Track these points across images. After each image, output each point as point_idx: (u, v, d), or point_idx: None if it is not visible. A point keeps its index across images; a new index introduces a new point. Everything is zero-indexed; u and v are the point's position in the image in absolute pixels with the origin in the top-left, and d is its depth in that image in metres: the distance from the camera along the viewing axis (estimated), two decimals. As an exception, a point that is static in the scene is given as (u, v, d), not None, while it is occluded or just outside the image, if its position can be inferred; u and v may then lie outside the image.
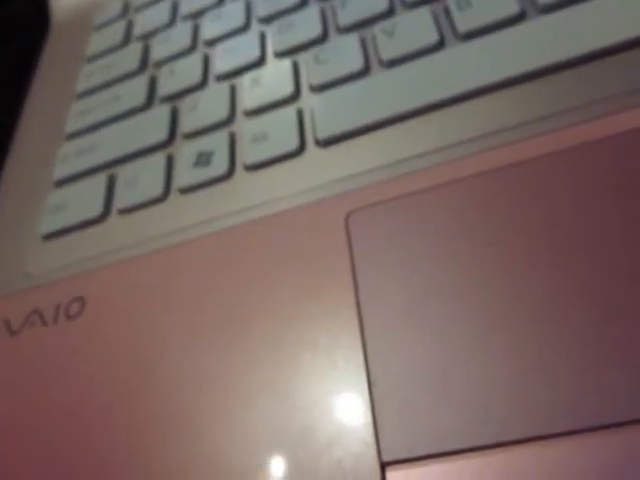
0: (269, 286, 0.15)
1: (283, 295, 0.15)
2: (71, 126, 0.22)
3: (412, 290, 0.14)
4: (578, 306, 0.12)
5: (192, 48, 0.23)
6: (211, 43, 0.22)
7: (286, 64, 0.20)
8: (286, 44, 0.20)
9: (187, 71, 0.22)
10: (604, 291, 0.12)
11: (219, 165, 0.18)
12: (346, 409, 0.13)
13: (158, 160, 0.19)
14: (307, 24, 0.20)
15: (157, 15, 0.25)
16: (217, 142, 0.19)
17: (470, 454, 0.11)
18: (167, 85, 0.22)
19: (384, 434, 0.12)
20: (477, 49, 0.17)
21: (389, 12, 0.19)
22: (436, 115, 0.16)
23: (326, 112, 0.18)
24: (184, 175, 0.18)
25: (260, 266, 0.16)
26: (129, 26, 0.25)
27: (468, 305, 0.13)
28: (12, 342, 0.17)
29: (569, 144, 0.14)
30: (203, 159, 0.19)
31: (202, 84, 0.21)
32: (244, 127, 0.19)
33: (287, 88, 0.19)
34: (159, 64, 0.23)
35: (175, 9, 0.25)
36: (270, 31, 0.21)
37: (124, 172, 0.20)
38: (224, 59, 0.21)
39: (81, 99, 0.23)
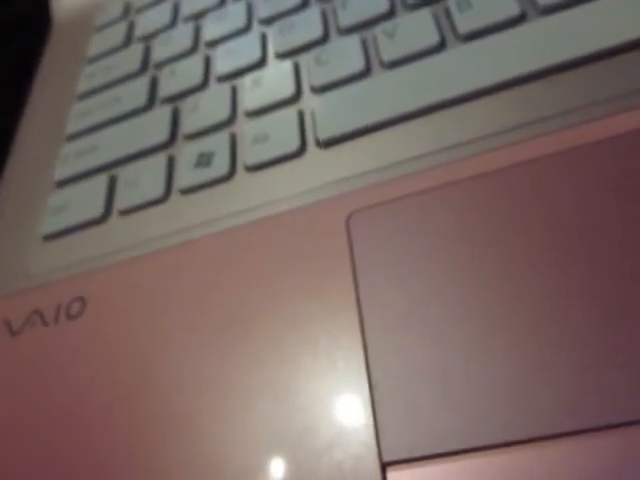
0: (270, 287, 0.15)
1: (284, 296, 0.15)
2: (72, 127, 0.22)
3: (412, 291, 0.14)
4: (579, 307, 0.12)
5: (193, 49, 0.23)
6: (212, 44, 0.22)
7: (287, 65, 0.20)
8: (287, 45, 0.20)
9: (188, 72, 0.22)
10: (605, 292, 0.12)
11: (220, 166, 0.18)
12: (347, 410, 0.13)
13: (159, 161, 0.19)
14: (308, 25, 0.20)
15: (158, 16, 0.25)
16: (218, 143, 0.19)
17: (471, 454, 0.11)
18: (168, 86, 0.22)
19: (385, 434, 0.12)
20: (478, 50, 0.17)
21: (390, 13, 0.19)
22: (437, 116, 0.16)
23: (327, 113, 0.18)
24: (185, 176, 0.18)
25: (261, 267, 0.16)
26: (130, 27, 0.25)
27: (468, 306, 0.13)
28: (13, 342, 0.17)
29: (570, 145, 0.14)
30: (204, 160, 0.19)
31: (203, 85, 0.21)
32: (245, 128, 0.19)
33: (288, 89, 0.19)
34: (160, 65, 0.23)
35: (176, 10, 0.25)
36: (271, 32, 0.21)
37: (125, 173, 0.20)
38: (225, 60, 0.21)
39: (82, 100, 0.23)
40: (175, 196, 0.18)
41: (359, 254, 0.15)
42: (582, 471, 0.11)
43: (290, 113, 0.18)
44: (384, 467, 0.12)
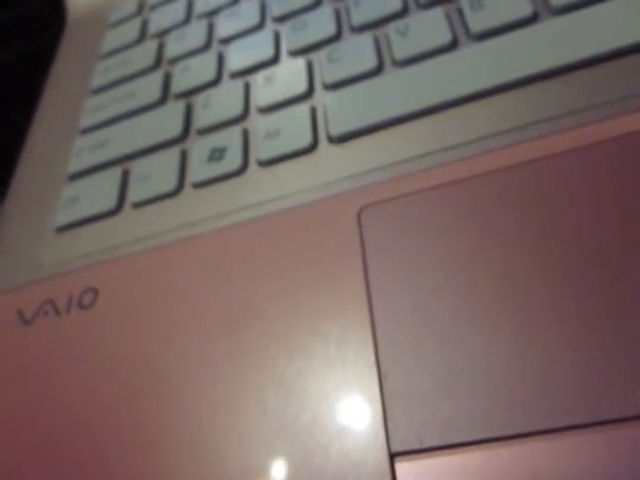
0: (281, 280, 0.15)
1: (295, 289, 0.15)
2: (86, 121, 0.23)
3: (423, 285, 0.14)
4: (587, 301, 0.12)
5: (207, 46, 0.23)
6: (226, 41, 0.23)
7: (300, 62, 0.20)
8: (300, 43, 0.20)
9: (201, 68, 0.22)
10: (610, 286, 0.12)
11: (232, 160, 0.18)
12: (356, 401, 0.13)
13: (172, 155, 0.20)
14: (321, 23, 0.21)
15: (172, 13, 0.25)
16: (231, 138, 0.19)
17: (479, 446, 0.11)
18: (181, 82, 0.22)
19: (393, 425, 0.12)
20: (489, 50, 0.17)
21: (402, 12, 0.20)
22: (448, 114, 0.17)
23: (339, 109, 0.18)
24: (197, 170, 0.19)
25: (272, 261, 0.16)
26: (144, 24, 0.26)
27: (477, 300, 0.13)
28: (26, 331, 0.17)
29: (583, 143, 0.14)
30: (216, 154, 0.19)
31: (216, 81, 0.21)
32: (257, 124, 0.19)
33: (300, 86, 0.19)
34: (174, 61, 0.23)
35: (190, 8, 0.25)
36: (284, 30, 0.21)
37: (138, 166, 0.20)
38: (238, 57, 0.21)
39: (96, 95, 0.24)
40: (187, 190, 0.19)
41: (370, 248, 0.15)
42: (589, 465, 0.11)
43: (302, 109, 0.19)
44: (392, 457, 0.12)
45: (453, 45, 0.18)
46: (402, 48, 0.18)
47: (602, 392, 0.11)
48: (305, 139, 0.18)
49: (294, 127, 0.18)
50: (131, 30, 0.26)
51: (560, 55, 0.16)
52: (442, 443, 0.12)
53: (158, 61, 0.24)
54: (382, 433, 0.12)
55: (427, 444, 0.12)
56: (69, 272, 0.18)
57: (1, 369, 0.17)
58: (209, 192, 0.18)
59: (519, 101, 0.16)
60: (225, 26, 0.23)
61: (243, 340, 0.15)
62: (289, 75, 0.20)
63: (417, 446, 0.12)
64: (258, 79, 0.20)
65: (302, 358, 0.14)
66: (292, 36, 0.21)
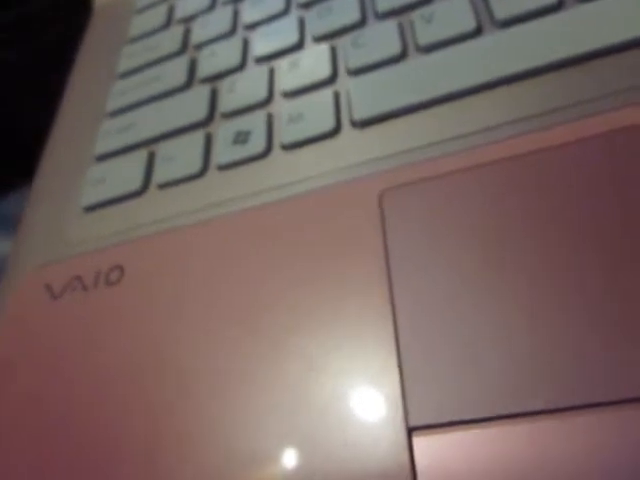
0: (302, 261, 0.16)
1: (316, 270, 0.15)
2: (112, 104, 0.23)
3: (442, 266, 0.14)
4: (608, 280, 0.12)
5: (232, 32, 0.23)
6: (251, 27, 0.23)
7: (324, 48, 0.20)
8: (324, 29, 0.21)
9: (227, 53, 0.22)
10: (631, 268, 0.12)
11: (256, 144, 0.19)
12: (374, 375, 0.13)
13: (197, 138, 0.20)
14: (345, 9, 0.21)
15: (197, 0, 0.25)
16: (255, 122, 0.19)
17: (497, 422, 0.12)
18: (207, 66, 0.22)
19: (411, 400, 0.13)
20: (514, 36, 0.17)
21: (428, -1, 0.20)
22: (471, 100, 0.17)
23: (362, 94, 0.18)
24: (222, 153, 0.19)
25: (293, 242, 0.16)
26: (170, 10, 0.26)
27: (496, 280, 0.13)
28: (54, 305, 0.18)
29: (611, 127, 0.14)
30: (241, 138, 0.19)
31: (241, 66, 0.22)
32: (281, 108, 0.19)
33: (324, 71, 0.19)
34: (199, 46, 0.23)
35: (216, -6, 0.25)
36: (309, 16, 0.22)
37: (163, 149, 0.20)
38: (263, 42, 0.22)
39: (122, 79, 0.24)
40: (212, 172, 0.19)
41: (391, 230, 0.15)
42: (607, 443, 0.11)
43: (326, 94, 0.19)
44: (410, 432, 0.12)
45: (477, 32, 0.18)
46: (426, 34, 0.18)
47: (626, 370, 0.11)
48: (328, 123, 0.18)
49: (317, 111, 0.18)
50: (157, 16, 0.26)
51: (587, 41, 0.16)
52: (460, 418, 0.12)
53: (184, 46, 0.24)
54: (400, 408, 0.13)
55: (445, 419, 0.12)
56: (96, 250, 0.19)
57: (29, 342, 0.18)
58: (233, 174, 0.19)
59: (545, 88, 0.16)
60: (250, 12, 0.23)
61: (264, 318, 0.15)
62: (313, 60, 0.20)
63: (435, 421, 0.12)
64: (282, 64, 0.21)
65: (321, 334, 0.14)
66: (317, 22, 0.21)
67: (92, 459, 0.15)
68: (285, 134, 0.18)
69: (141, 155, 0.21)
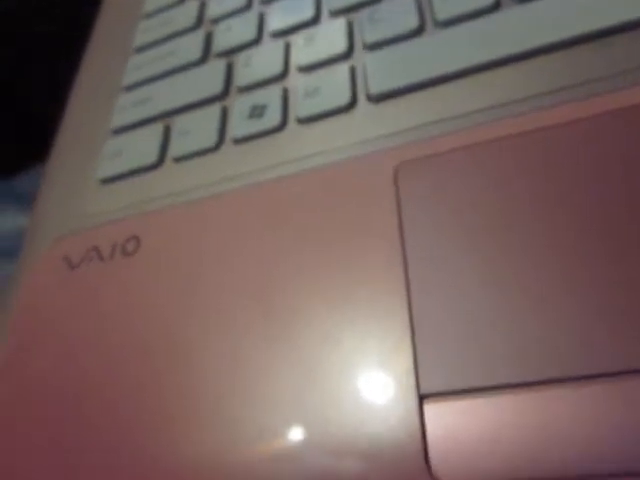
0: (317, 234, 0.16)
1: (330, 242, 0.15)
2: (128, 78, 0.23)
3: (457, 238, 0.14)
4: (621, 253, 0.12)
5: (248, 6, 0.23)
6: (267, 2, 0.23)
7: (340, 22, 0.20)
8: (341, 3, 0.21)
9: (242, 28, 0.22)
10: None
11: (272, 118, 0.19)
12: (386, 343, 0.13)
13: (213, 112, 0.20)
14: (362, -16, 0.21)
15: (214, -26, 0.25)
16: (270, 96, 0.19)
17: (508, 390, 0.12)
18: (222, 41, 0.22)
19: (423, 368, 0.13)
20: (532, 10, 0.17)
21: (445, -27, 0.19)
22: (488, 75, 0.17)
23: (379, 69, 0.18)
24: (238, 126, 0.19)
25: (308, 215, 0.16)
26: (186, -16, 0.26)
27: (510, 254, 0.13)
28: (72, 275, 0.18)
29: (621, 105, 0.14)
30: (257, 112, 0.19)
31: (257, 41, 0.22)
32: (297, 82, 0.19)
33: (340, 45, 0.19)
34: (215, 21, 0.23)
35: (231, -31, 0.25)
36: (325, -9, 0.22)
37: (179, 122, 0.20)
38: (279, 17, 0.22)
39: (138, 53, 0.24)
40: (227, 145, 0.19)
41: (406, 204, 0.15)
42: (616, 411, 0.11)
43: (342, 68, 0.19)
44: (421, 400, 0.13)
45: (496, 6, 0.18)
46: (444, 9, 0.18)
47: (626, 342, 0.11)
48: (344, 97, 0.18)
49: (333, 86, 0.18)
50: (173, -10, 0.26)
51: (606, 16, 0.16)
52: (471, 386, 0.12)
53: (199, 21, 0.24)
54: (412, 375, 0.13)
55: (456, 387, 0.12)
56: (114, 221, 0.19)
57: (49, 312, 0.18)
58: (249, 148, 0.19)
59: (560, 63, 0.16)
60: (266, -13, 0.23)
61: (278, 292, 0.15)
62: (329, 35, 0.20)
63: (446, 389, 0.12)
64: (298, 39, 0.21)
65: (335, 307, 0.14)
66: (333, -3, 0.21)
67: (104, 430, 0.15)
68: (301, 108, 0.18)
69: (157, 128, 0.21)
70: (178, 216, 0.18)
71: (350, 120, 0.18)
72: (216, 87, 0.21)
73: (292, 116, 0.19)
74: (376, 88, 0.18)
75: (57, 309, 0.18)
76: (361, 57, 0.19)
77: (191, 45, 0.23)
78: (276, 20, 0.22)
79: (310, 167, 0.17)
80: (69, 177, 0.22)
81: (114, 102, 0.23)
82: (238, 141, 0.19)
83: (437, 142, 0.16)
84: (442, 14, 0.18)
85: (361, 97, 0.18)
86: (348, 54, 0.19)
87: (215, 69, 0.21)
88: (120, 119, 0.22)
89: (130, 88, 0.23)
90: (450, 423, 0.12)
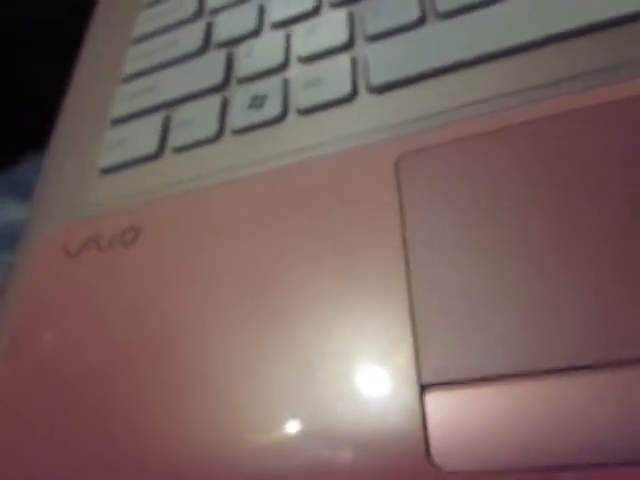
0: (318, 223, 0.16)
1: (331, 232, 0.15)
2: (128, 69, 0.23)
3: (458, 229, 0.14)
4: (621, 244, 0.12)
5: (249, -3, 0.23)
6: (267, -8, 0.23)
7: (341, 14, 0.20)
8: (342, -6, 0.21)
9: (243, 19, 0.22)
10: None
11: (272, 108, 0.19)
12: (387, 332, 0.13)
13: (213, 102, 0.20)
14: (364, -25, 0.21)
15: (214, -35, 0.25)
16: (271, 86, 0.19)
17: (509, 380, 0.12)
18: (223, 32, 0.22)
19: (424, 357, 0.13)
20: (532, 3, 0.17)
21: (447, -35, 0.19)
22: (489, 66, 0.17)
23: (380, 60, 0.18)
24: (238, 117, 0.19)
25: (309, 204, 0.16)
26: (186, -25, 0.26)
27: (511, 243, 0.13)
28: (70, 263, 0.18)
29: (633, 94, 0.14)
30: (257, 102, 0.19)
31: (257, 31, 0.22)
32: (298, 73, 0.19)
33: (341, 36, 0.19)
34: (215, 11, 0.23)
35: (232, -41, 0.25)
36: (327, -18, 0.21)
37: (179, 113, 0.20)
38: (280, 8, 0.22)
39: (138, 43, 0.24)
40: (228, 136, 0.19)
41: (407, 195, 0.15)
42: (620, 402, 0.11)
43: (343, 59, 0.19)
44: (422, 389, 0.13)
45: (497, -2, 0.18)
46: (445, 0, 0.18)
47: (630, 332, 0.12)
48: (345, 88, 0.18)
49: (334, 76, 0.18)
50: (173, -19, 0.26)
51: (609, 8, 0.16)
52: (472, 376, 0.12)
53: (200, 11, 0.24)
54: (413, 365, 0.13)
55: (457, 377, 0.12)
56: (113, 211, 0.19)
57: (46, 301, 0.18)
58: (249, 138, 0.19)
59: (560, 55, 0.16)
60: (267, -23, 0.23)
61: (279, 282, 0.15)
62: (330, 26, 0.20)
63: (447, 378, 0.12)
64: (299, 30, 0.20)
65: (336, 295, 0.14)
66: (334, -12, 0.21)
67: (102, 417, 0.15)
68: (301, 99, 0.18)
69: (157, 119, 0.21)
70: (178, 206, 0.18)
71: (351, 111, 0.18)
72: (216, 77, 0.21)
73: (293, 107, 0.19)
74: (377, 79, 0.18)
75: (55, 298, 0.18)
76: (362, 48, 0.19)
77: (191, 35, 0.23)
78: (276, 11, 0.22)
79: (310, 158, 0.17)
80: (69, 167, 0.22)
81: (114, 92, 0.23)
82: (238, 132, 0.19)
83: (438, 133, 0.16)
84: (443, 5, 0.18)
85: (362, 88, 0.18)
86: (349, 45, 0.19)
87: (215, 59, 0.21)
88: (120, 109, 0.22)
89: (130, 78, 0.23)
90: (451, 413, 0.12)
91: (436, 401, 0.12)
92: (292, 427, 0.13)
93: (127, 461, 0.14)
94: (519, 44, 0.16)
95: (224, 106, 0.20)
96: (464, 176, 0.15)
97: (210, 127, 0.19)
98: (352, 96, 0.18)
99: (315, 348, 0.14)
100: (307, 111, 0.18)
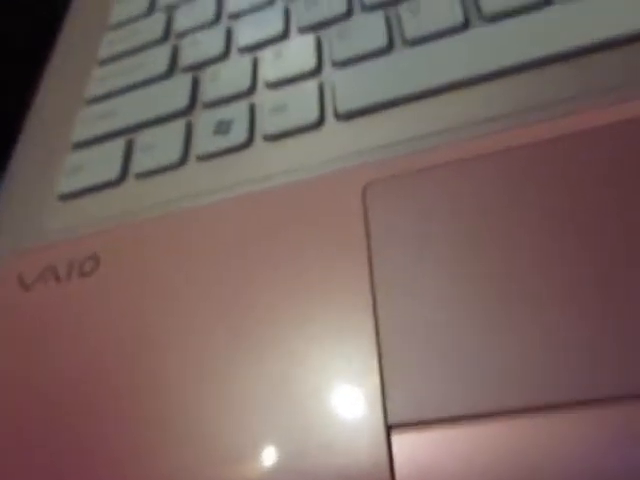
0: (282, 254, 0.15)
1: (296, 262, 0.15)
2: (92, 91, 0.23)
3: (425, 261, 0.14)
4: (592, 280, 0.12)
5: (216, 20, 0.23)
6: (235, 16, 0.22)
7: (309, 39, 0.20)
8: (310, 20, 0.20)
9: (210, 42, 0.22)
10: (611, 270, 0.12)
11: (238, 134, 0.18)
12: (354, 371, 0.13)
13: (177, 127, 0.19)
14: (332, 1, 0.20)
15: (182, -13, 0.25)
16: (237, 112, 0.19)
17: (475, 420, 0.12)
18: (189, 55, 0.22)
19: (391, 397, 0.12)
20: (501, 31, 0.17)
21: (415, -8, 0.19)
22: (456, 94, 0.17)
23: (347, 86, 0.18)
24: (202, 142, 0.19)
25: (274, 234, 0.16)
26: (153, -3, 0.25)
27: (479, 276, 0.13)
28: (25, 296, 0.17)
29: (595, 125, 0.14)
30: (222, 128, 0.19)
31: (224, 55, 0.21)
32: (265, 98, 0.19)
33: (309, 62, 0.19)
34: (182, 35, 0.23)
35: (200, -18, 0.25)
36: (295, 7, 0.21)
37: (143, 137, 0.20)
38: (247, 32, 0.21)
39: (103, 65, 0.24)
40: (192, 162, 0.19)
41: (374, 223, 0.15)
42: (586, 441, 0.11)
43: (310, 85, 0.18)
44: (389, 429, 0.12)
45: (464, 26, 0.18)
46: (413, 27, 0.18)
47: (594, 371, 0.11)
48: (312, 115, 0.18)
49: (301, 103, 0.18)
50: (140, 3, 0.25)
51: (574, 37, 0.16)
52: (439, 416, 0.12)
53: (166, 34, 0.23)
54: (379, 405, 0.12)
55: (424, 417, 0.12)
56: (71, 239, 0.18)
57: (1, 334, 0.17)
58: (213, 165, 0.18)
59: (524, 84, 0.16)
60: (235, 1, 0.23)
61: (240, 314, 0.15)
62: (298, 51, 0.20)
63: (414, 419, 0.12)
64: (267, 54, 0.20)
65: (302, 331, 0.14)
66: (302, 13, 0.21)
67: (54, 453, 0.14)
68: (268, 125, 0.18)
69: (120, 143, 0.20)
70: (139, 234, 0.17)
71: (318, 138, 0.17)
72: (181, 102, 0.20)
73: (259, 133, 0.18)
74: (344, 106, 0.17)
75: (8, 331, 0.17)
76: (330, 74, 0.19)
77: (157, 58, 0.22)
78: (244, 35, 0.21)
79: (277, 185, 0.17)
80: (27, 191, 0.21)
81: (77, 114, 0.22)
82: (203, 158, 0.18)
83: (405, 161, 0.16)
84: (411, 32, 0.18)
85: (329, 115, 0.18)
86: (317, 71, 0.19)
87: (181, 83, 0.21)
88: (82, 133, 0.21)
89: (93, 101, 0.22)
90: (418, 454, 0.12)
91: (403, 442, 0.12)
92: (257, 465, 0.13)
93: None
94: (487, 72, 0.16)
95: (189, 131, 0.19)
96: (432, 205, 0.15)
97: (174, 152, 0.19)
98: (319, 123, 0.18)
99: (282, 388, 0.13)
100: (274, 137, 0.18)
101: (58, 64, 0.26)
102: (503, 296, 0.13)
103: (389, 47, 0.18)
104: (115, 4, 0.27)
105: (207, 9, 0.23)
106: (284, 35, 0.21)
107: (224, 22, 0.23)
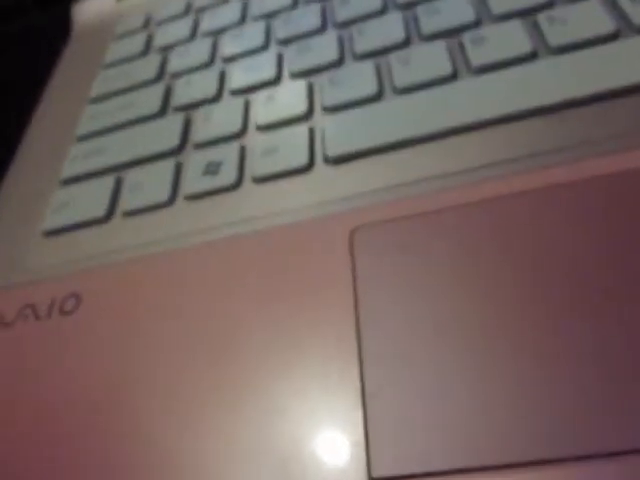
0: (268, 298, 0.15)
1: (282, 307, 0.15)
2: (83, 128, 0.23)
3: (412, 309, 0.14)
4: (580, 330, 0.12)
5: (210, 63, 0.23)
6: (229, 60, 0.23)
7: (301, 84, 0.20)
8: (302, 65, 0.21)
9: (203, 84, 0.22)
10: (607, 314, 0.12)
11: (227, 175, 0.18)
12: (338, 423, 0.13)
13: (167, 166, 0.19)
14: (324, 48, 0.21)
15: (178, 30, 0.25)
16: (227, 153, 0.19)
17: (461, 475, 0.11)
18: (182, 96, 0.22)
19: (375, 450, 0.12)
20: (489, 83, 0.17)
21: (405, 43, 0.20)
22: (445, 142, 0.17)
23: (337, 132, 0.18)
24: (191, 183, 0.19)
25: (260, 277, 0.16)
26: (149, 38, 0.26)
27: (467, 327, 0.13)
28: (4, 334, 0.17)
29: (581, 176, 0.14)
30: (212, 168, 0.19)
31: (217, 97, 0.21)
32: (255, 141, 0.19)
33: (300, 107, 0.19)
34: (176, 75, 0.23)
35: (196, 26, 0.25)
36: (288, 52, 0.22)
37: (132, 176, 0.20)
38: (240, 75, 0.22)
39: (95, 103, 0.24)
40: (180, 202, 0.19)
41: (361, 268, 0.15)
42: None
43: (301, 129, 0.19)
44: (372, 483, 0.12)
45: (453, 77, 0.18)
46: (403, 76, 0.19)
47: (591, 426, 0.11)
48: (301, 158, 0.18)
49: (291, 146, 0.18)
50: (136, 43, 0.26)
51: (556, 92, 0.16)
52: (423, 470, 0.11)
53: (160, 74, 0.24)
54: (363, 457, 0.12)
55: (408, 470, 0.12)
56: (54, 277, 0.18)
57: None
58: (202, 205, 0.18)
59: (513, 133, 0.16)
60: (229, 45, 0.23)
61: (223, 356, 0.14)
62: (289, 96, 0.20)
63: (398, 472, 0.12)
64: (258, 98, 0.20)
65: (286, 378, 0.14)
66: (295, 59, 0.21)
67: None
68: (257, 167, 0.18)
69: (108, 181, 0.20)
70: (122, 274, 0.17)
71: (307, 181, 0.17)
72: (172, 141, 0.20)
73: (248, 175, 0.18)
74: (333, 151, 0.17)
75: (-17, 372, 0.16)
76: (320, 119, 0.19)
77: (150, 98, 0.22)
78: (237, 78, 0.22)
79: (264, 228, 0.17)
80: (12, 227, 0.21)
81: (66, 152, 0.22)
82: (191, 198, 0.18)
83: (393, 207, 0.16)
84: (401, 81, 0.19)
85: (319, 159, 0.18)
86: (307, 115, 0.19)
87: (172, 123, 0.21)
88: (70, 169, 0.21)
89: (84, 138, 0.22)
90: (401, 510, 0.11)
91: (386, 497, 0.12)
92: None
93: None
94: (473, 122, 0.17)
95: (178, 171, 0.19)
96: (419, 252, 0.15)
97: (162, 192, 0.19)
98: (308, 166, 0.18)
99: (263, 438, 0.13)
100: (263, 180, 0.18)
101: (51, 100, 0.26)
102: (490, 348, 0.12)
103: (379, 95, 0.19)
104: (112, 43, 0.27)
105: (202, 51, 0.24)
106: (276, 79, 0.21)
107: (218, 65, 0.23)
